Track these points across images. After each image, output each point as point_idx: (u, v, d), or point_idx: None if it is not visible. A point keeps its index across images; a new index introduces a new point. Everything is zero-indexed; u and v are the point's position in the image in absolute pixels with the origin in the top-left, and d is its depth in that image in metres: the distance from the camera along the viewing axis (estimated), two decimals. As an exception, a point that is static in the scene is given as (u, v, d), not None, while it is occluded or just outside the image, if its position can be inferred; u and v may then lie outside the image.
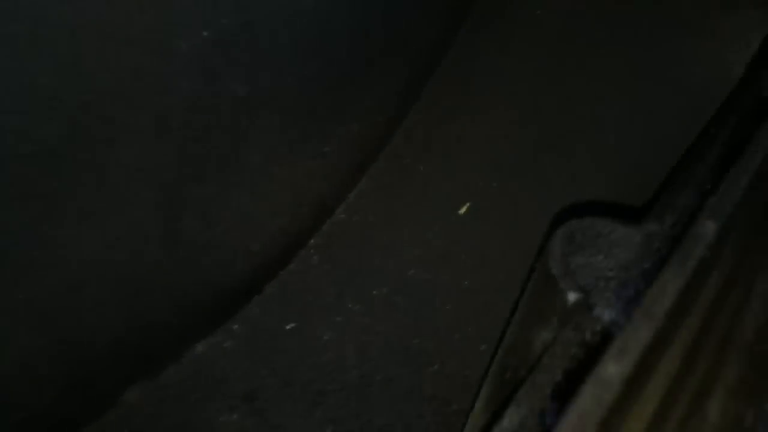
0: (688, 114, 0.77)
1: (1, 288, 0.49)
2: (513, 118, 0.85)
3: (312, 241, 0.81)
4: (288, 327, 0.75)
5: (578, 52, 0.86)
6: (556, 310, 0.40)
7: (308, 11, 0.62)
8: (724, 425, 0.31)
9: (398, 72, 0.80)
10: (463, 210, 0.81)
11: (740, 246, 0.40)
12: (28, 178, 0.46)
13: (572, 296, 0.40)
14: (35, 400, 0.58)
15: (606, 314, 0.44)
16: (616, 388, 0.25)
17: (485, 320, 0.75)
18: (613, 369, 0.26)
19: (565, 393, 0.35)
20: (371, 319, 0.76)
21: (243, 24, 0.56)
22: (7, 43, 0.40)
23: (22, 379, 0.54)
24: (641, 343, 0.27)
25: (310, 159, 0.74)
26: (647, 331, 0.27)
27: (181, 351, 0.71)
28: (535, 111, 0.85)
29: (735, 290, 0.37)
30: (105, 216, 0.53)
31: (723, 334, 0.35)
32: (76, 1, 0.42)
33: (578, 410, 0.25)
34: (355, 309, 0.77)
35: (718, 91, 0.71)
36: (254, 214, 0.70)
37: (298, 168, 0.72)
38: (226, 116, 0.59)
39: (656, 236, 0.46)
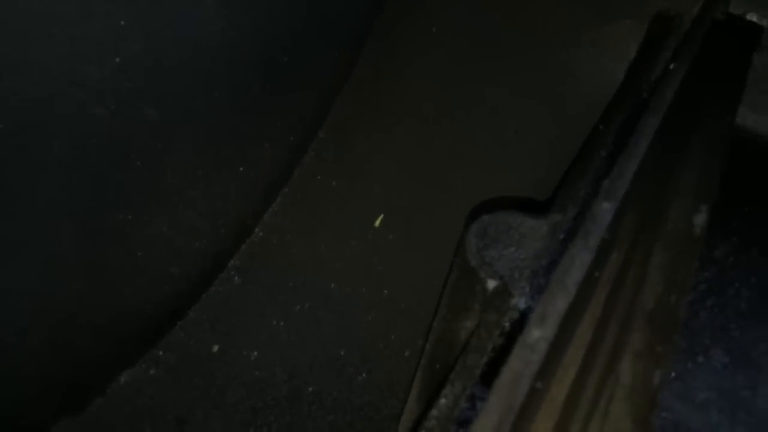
0: (576, 116, 0.83)
1: None
2: (418, 131, 0.88)
3: (232, 262, 0.82)
4: (214, 349, 0.76)
5: (472, 67, 0.90)
6: (478, 298, 0.43)
7: (214, 38, 0.63)
8: (635, 385, 0.34)
9: (306, 93, 0.83)
10: (377, 222, 0.84)
11: (634, 225, 0.44)
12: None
13: (491, 283, 0.43)
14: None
15: (521, 302, 0.47)
16: (541, 351, 0.28)
17: (407, 327, 0.77)
18: (536, 333, 0.29)
19: (491, 372, 0.38)
20: (296, 335, 0.77)
21: (151, 50, 0.57)
22: None
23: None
24: (558, 311, 0.30)
25: (225, 181, 0.75)
26: (562, 300, 0.31)
27: (106, 382, 0.71)
28: (437, 123, 0.88)
29: (634, 265, 0.42)
30: (25, 247, 0.53)
31: (627, 304, 0.39)
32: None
33: (510, 371, 0.27)
34: (279, 326, 0.78)
35: (602, 94, 0.77)
36: (174, 239, 0.70)
37: (214, 190, 0.73)
38: (140, 142, 0.60)
39: (561, 225, 0.49)
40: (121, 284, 0.66)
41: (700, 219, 0.47)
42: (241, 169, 0.76)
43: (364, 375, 0.75)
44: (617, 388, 0.33)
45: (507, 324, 0.44)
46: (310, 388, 0.74)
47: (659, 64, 0.69)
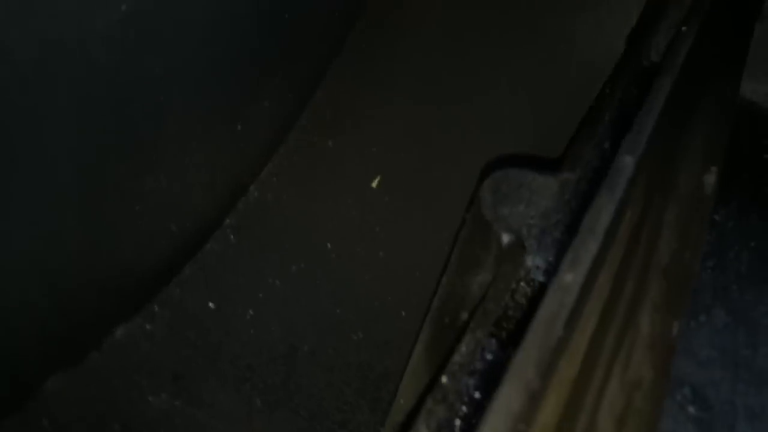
0: (577, 80, 0.83)
1: None
2: (416, 93, 0.88)
3: (227, 220, 0.81)
4: (210, 306, 0.75)
5: (472, 31, 0.90)
6: (492, 252, 0.43)
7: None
8: (654, 334, 0.34)
9: (306, 51, 0.82)
10: (375, 183, 0.83)
11: (647, 184, 0.44)
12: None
13: (506, 237, 0.43)
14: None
15: (528, 259, 0.48)
16: (574, 293, 0.29)
17: (403, 287, 0.77)
18: (569, 276, 0.29)
19: (509, 320, 0.39)
20: (293, 294, 0.77)
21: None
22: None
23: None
24: (589, 256, 0.30)
25: (223, 137, 0.74)
26: (592, 245, 0.31)
27: (101, 336, 0.70)
28: (436, 84, 0.88)
29: (648, 222, 0.42)
30: (26, 198, 0.52)
31: (644, 259, 0.39)
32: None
33: (546, 311, 0.27)
34: (275, 284, 0.78)
35: (603, 58, 0.77)
36: (172, 194, 0.70)
37: (212, 146, 0.73)
38: (143, 93, 0.59)
39: (569, 185, 0.50)
40: (120, 238, 0.66)
41: (711, 179, 0.48)
42: (240, 126, 0.75)
43: (359, 334, 0.75)
44: (638, 338, 0.34)
45: (521, 274, 0.45)
46: (306, 347, 0.74)
47: (664, 27, 0.69)
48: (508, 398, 0.23)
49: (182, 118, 0.66)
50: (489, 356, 0.41)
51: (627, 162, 0.36)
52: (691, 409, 0.47)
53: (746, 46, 0.69)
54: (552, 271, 0.47)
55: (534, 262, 0.47)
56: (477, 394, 0.39)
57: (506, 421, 0.22)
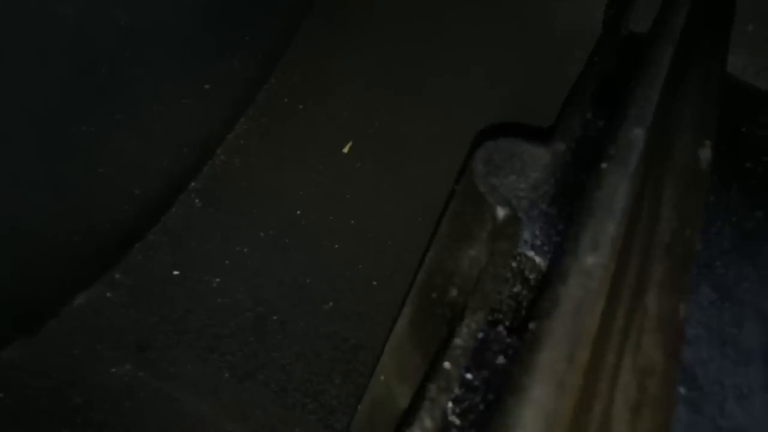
0: (558, 49, 0.82)
1: None
2: (389, 57, 0.85)
3: (193, 184, 0.78)
4: (175, 273, 0.72)
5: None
6: (485, 225, 0.42)
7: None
8: (662, 317, 0.33)
9: (276, 9, 0.78)
10: (346, 149, 0.81)
11: (646, 156, 0.43)
12: None
13: (501, 211, 0.41)
14: None
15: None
16: (598, 276, 0.27)
17: (375, 257, 0.76)
18: (591, 259, 0.28)
19: (510, 302, 0.37)
20: (262, 261, 0.75)
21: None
22: None
23: None
24: (609, 236, 0.29)
25: (191, 97, 0.70)
26: (611, 225, 0.29)
27: (60, 304, 0.67)
28: (409, 50, 0.86)
29: (647, 198, 0.41)
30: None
31: (646, 237, 0.38)
32: None
33: (571, 299, 0.26)
34: (243, 252, 0.75)
35: (584, 28, 0.76)
36: (136, 156, 0.66)
37: (179, 106, 0.69)
38: (108, 47, 0.55)
39: (560, 156, 0.48)
40: (81, 201, 0.62)
41: (705, 154, 0.46)
42: (208, 85, 0.72)
43: (330, 304, 0.73)
44: (646, 320, 0.33)
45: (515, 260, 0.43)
46: (275, 317, 0.72)
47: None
48: (542, 396, 0.21)
49: (149, 76, 0.63)
50: (480, 334, 0.39)
51: (637, 134, 0.34)
52: (682, 389, 0.46)
53: (731, 16, 0.68)
54: (538, 244, 0.46)
55: (522, 235, 0.46)
56: (468, 375, 0.38)
57: (541, 419, 0.20)
